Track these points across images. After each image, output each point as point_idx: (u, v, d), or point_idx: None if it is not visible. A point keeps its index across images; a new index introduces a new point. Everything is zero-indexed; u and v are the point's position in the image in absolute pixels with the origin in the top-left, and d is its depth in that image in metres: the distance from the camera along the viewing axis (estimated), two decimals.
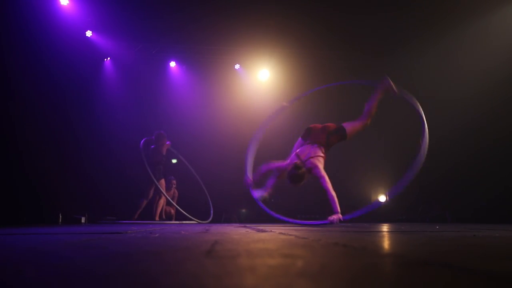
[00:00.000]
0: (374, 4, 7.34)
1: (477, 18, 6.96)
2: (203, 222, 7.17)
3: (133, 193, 8.32)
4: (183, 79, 9.62)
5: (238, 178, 7.96)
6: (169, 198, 7.35)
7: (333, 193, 4.66)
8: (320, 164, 4.78)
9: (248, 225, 5.33)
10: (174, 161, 8.95)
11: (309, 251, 1.69)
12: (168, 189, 8.08)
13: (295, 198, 8.94)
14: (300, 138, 5.21)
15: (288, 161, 4.94)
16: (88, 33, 8.05)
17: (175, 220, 8.04)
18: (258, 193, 4.89)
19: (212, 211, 7.75)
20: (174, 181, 8.14)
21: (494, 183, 6.69)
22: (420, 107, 4.83)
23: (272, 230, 3.43)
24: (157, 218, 7.90)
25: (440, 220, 7.21)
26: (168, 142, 7.73)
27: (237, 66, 9.52)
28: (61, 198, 6.97)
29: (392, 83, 4.83)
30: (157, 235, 2.86)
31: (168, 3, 7.36)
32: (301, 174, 4.74)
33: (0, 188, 5.97)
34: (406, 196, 8.29)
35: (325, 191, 4.66)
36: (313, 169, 4.75)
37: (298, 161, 4.79)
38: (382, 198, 8.92)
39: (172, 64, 9.42)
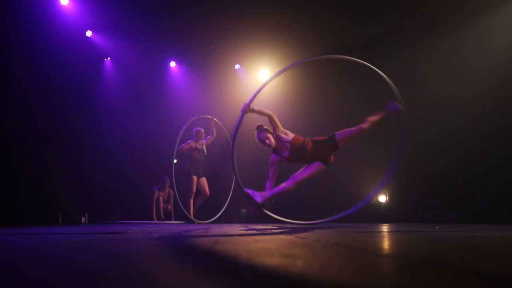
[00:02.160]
0: (375, 4, 7.34)
1: (479, 17, 6.95)
2: (203, 222, 7.16)
3: (133, 193, 8.33)
4: (183, 79, 9.62)
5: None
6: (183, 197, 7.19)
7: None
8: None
9: (248, 225, 5.33)
10: (174, 161, 8.94)
11: (309, 251, 1.69)
12: (162, 188, 8.09)
13: (294, 197, 8.93)
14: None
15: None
16: (88, 33, 8.05)
17: (174, 218, 8.03)
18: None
19: (221, 212, 7.64)
20: (168, 180, 8.13)
21: (494, 183, 6.69)
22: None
23: (272, 230, 3.43)
24: (155, 218, 7.86)
25: (440, 220, 7.21)
26: (206, 138, 7.44)
27: (237, 66, 9.52)
28: (61, 198, 6.97)
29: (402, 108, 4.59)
30: (157, 235, 2.86)
31: (168, 3, 7.35)
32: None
33: (1, 188, 5.97)
34: (406, 197, 8.30)
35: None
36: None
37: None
38: (382, 198, 8.92)
39: (172, 64, 9.43)
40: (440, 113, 7.58)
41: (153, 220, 7.71)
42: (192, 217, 7.03)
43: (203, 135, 7.40)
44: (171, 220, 7.95)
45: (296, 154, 4.49)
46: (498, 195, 6.58)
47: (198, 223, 6.97)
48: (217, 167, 8.32)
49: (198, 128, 7.42)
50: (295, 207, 8.85)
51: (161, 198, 8.01)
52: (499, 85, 6.70)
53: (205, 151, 7.39)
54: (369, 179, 8.89)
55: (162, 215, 7.88)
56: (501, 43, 6.91)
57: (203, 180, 7.30)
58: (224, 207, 7.50)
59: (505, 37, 6.88)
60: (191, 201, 7.16)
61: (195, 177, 7.20)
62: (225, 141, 7.68)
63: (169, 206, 8.11)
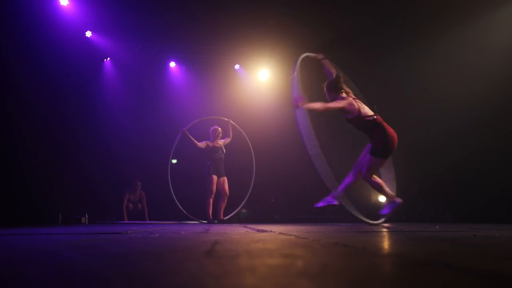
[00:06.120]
0: (375, 4, 7.34)
1: (479, 17, 6.95)
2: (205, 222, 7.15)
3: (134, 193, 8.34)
4: (183, 79, 9.62)
5: (237, 178, 7.95)
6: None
7: None
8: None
9: (248, 225, 5.33)
10: (174, 161, 8.94)
11: (309, 251, 1.69)
12: (133, 191, 8.13)
13: (296, 197, 8.94)
14: None
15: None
16: (88, 34, 8.05)
17: (148, 218, 8.12)
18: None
19: (234, 212, 7.56)
20: (139, 183, 8.20)
21: (494, 182, 6.68)
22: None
23: (272, 230, 3.43)
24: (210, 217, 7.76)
25: (440, 220, 7.20)
26: (224, 139, 7.29)
27: (237, 66, 9.53)
28: (61, 198, 6.98)
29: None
30: (157, 235, 2.86)
31: (167, 3, 7.36)
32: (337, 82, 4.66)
33: (0, 189, 5.97)
34: (406, 196, 8.30)
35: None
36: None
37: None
38: (382, 198, 8.91)
39: (172, 64, 9.43)
40: (439, 112, 7.57)
41: (123, 219, 7.82)
42: (210, 217, 6.95)
43: (220, 134, 7.26)
44: (144, 219, 8.02)
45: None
46: (498, 194, 6.58)
47: (201, 222, 6.94)
48: (232, 167, 8.20)
49: (215, 127, 7.28)
50: (296, 207, 8.86)
51: (131, 199, 8.19)
52: (497, 84, 6.70)
53: (224, 150, 7.25)
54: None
55: (125, 217, 7.97)
56: (501, 43, 6.91)
57: (224, 180, 7.13)
58: (240, 206, 7.49)
59: (505, 37, 6.88)
60: (210, 201, 6.99)
61: (215, 177, 7.03)
62: (244, 142, 7.65)
63: (139, 205, 8.21)
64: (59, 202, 6.93)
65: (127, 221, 7.69)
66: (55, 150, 7.17)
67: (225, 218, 7.14)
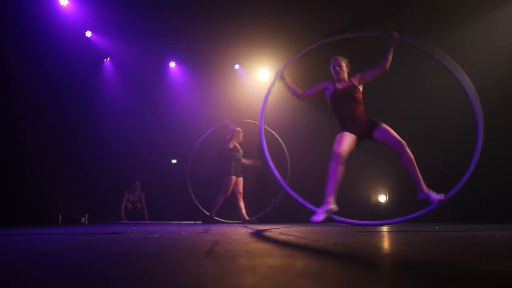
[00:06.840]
0: (376, 4, 7.34)
1: (480, 16, 6.96)
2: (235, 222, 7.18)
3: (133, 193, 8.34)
4: (183, 79, 9.63)
5: (249, 179, 7.97)
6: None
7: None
8: None
9: (248, 225, 5.33)
10: (174, 161, 8.94)
11: (309, 251, 1.69)
12: (132, 191, 8.14)
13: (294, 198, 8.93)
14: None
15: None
16: (88, 34, 8.05)
17: (148, 218, 8.12)
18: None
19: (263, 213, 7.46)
20: (139, 183, 8.20)
21: (494, 182, 6.68)
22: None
23: (272, 230, 3.43)
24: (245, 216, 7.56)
25: (440, 220, 7.21)
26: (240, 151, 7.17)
27: (236, 66, 9.53)
28: (61, 198, 6.98)
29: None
30: (157, 235, 2.86)
31: (167, 3, 7.35)
32: None
33: (0, 189, 5.97)
34: (405, 196, 8.30)
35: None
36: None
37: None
38: (382, 198, 8.92)
39: (172, 64, 9.43)
40: (439, 111, 7.58)
41: (121, 219, 7.84)
42: (213, 215, 6.93)
43: (241, 139, 7.18)
44: (144, 219, 8.03)
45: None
46: (498, 194, 6.58)
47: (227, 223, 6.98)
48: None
49: (238, 129, 7.20)
50: (296, 207, 8.86)
51: (130, 199, 8.21)
52: (497, 83, 6.70)
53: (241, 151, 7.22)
54: (370, 181, 8.91)
55: (123, 216, 7.98)
56: (503, 43, 6.91)
57: (240, 180, 7.08)
58: (270, 207, 7.49)
59: (506, 36, 6.88)
60: (221, 201, 6.93)
61: (234, 178, 6.95)
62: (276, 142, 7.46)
63: (139, 205, 8.23)
64: (59, 202, 6.93)
65: (127, 221, 7.70)
66: (55, 150, 7.17)
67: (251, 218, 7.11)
